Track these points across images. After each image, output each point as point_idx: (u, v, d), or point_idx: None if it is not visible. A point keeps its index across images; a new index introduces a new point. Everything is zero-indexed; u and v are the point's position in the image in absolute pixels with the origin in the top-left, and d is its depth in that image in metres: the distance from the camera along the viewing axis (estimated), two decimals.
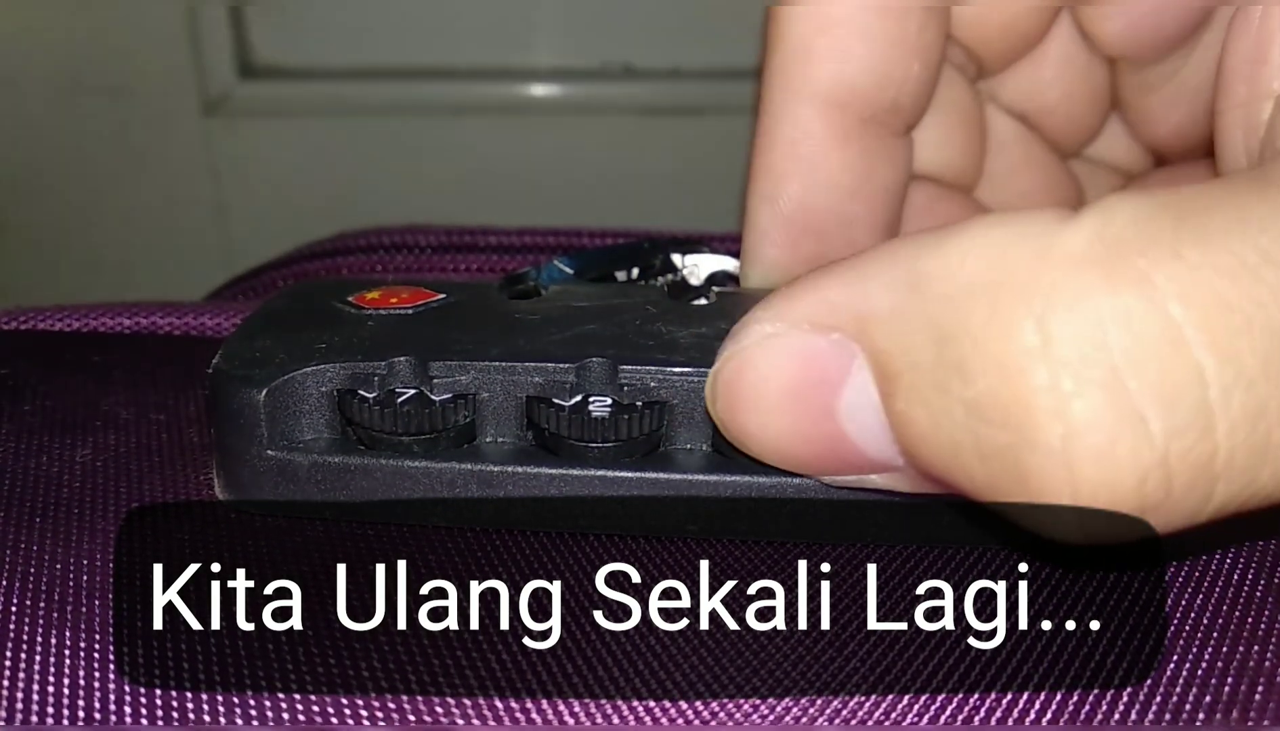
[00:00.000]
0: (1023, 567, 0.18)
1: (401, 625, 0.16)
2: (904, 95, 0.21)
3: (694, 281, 0.27)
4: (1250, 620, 0.17)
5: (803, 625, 0.16)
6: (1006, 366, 0.13)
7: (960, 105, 0.24)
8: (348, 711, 0.15)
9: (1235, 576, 0.18)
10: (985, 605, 0.17)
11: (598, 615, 0.16)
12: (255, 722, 0.14)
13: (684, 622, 0.16)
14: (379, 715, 0.14)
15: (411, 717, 0.14)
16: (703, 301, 0.21)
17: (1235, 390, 0.12)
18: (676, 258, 0.28)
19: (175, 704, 0.15)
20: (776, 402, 0.16)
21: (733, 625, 0.16)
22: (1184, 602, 0.17)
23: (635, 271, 0.28)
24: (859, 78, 0.21)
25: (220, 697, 0.15)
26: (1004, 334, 0.13)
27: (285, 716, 0.15)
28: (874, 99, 0.21)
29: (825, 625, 0.16)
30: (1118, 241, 0.13)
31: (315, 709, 0.15)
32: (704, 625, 0.16)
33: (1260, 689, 0.15)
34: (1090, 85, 0.25)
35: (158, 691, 0.15)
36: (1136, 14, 0.23)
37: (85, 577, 0.17)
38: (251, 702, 0.15)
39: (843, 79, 0.21)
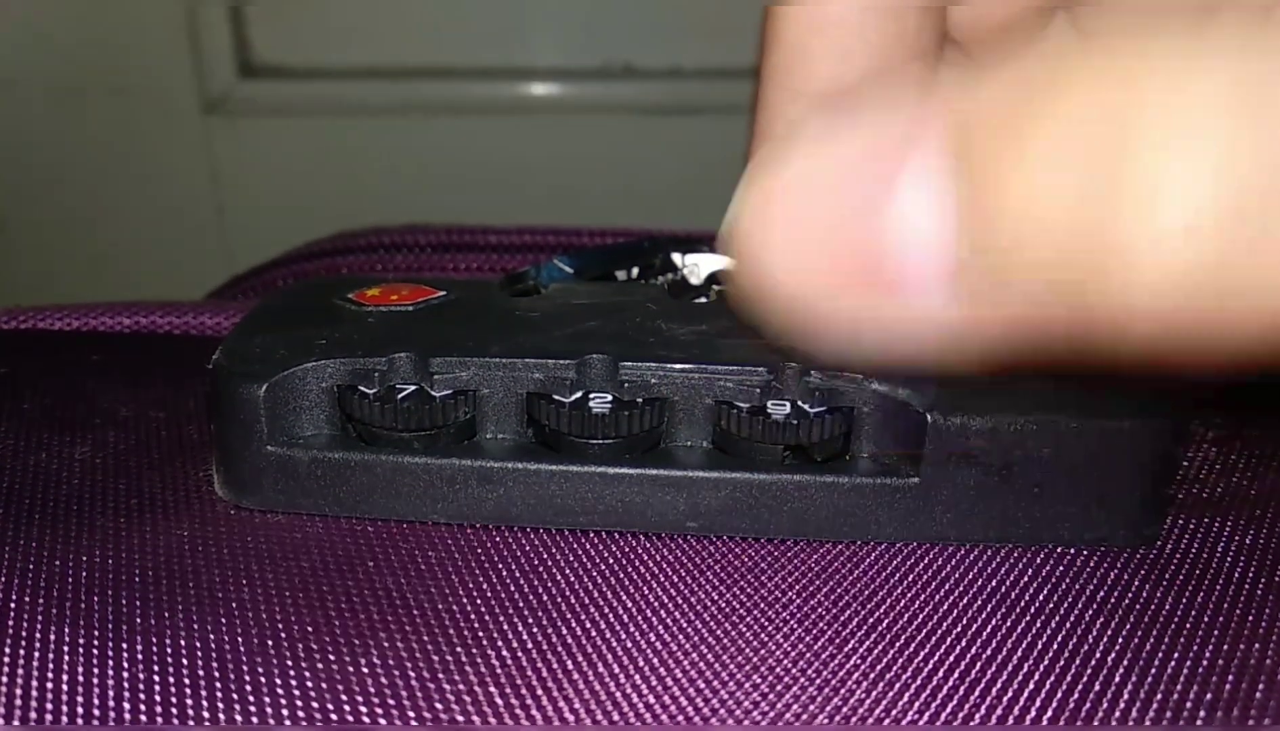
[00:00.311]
0: (1022, 561, 0.18)
1: (402, 625, 0.16)
2: None
3: (694, 281, 0.27)
4: (1251, 618, 0.17)
5: (803, 620, 0.16)
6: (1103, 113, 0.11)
7: None
8: (347, 707, 0.15)
9: (1235, 574, 0.18)
10: (986, 602, 0.17)
11: (597, 612, 0.16)
12: (255, 720, 0.14)
13: (684, 620, 0.16)
14: (378, 711, 0.14)
15: (411, 714, 0.14)
16: (703, 300, 0.21)
17: None
18: (677, 257, 0.28)
19: (174, 700, 0.15)
20: (823, 196, 0.13)
21: (734, 620, 0.16)
22: (1184, 600, 0.17)
23: (635, 270, 0.28)
24: (857, 75, 0.21)
25: (220, 693, 0.15)
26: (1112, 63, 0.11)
27: (285, 712, 0.14)
28: None
29: (825, 620, 0.16)
30: None
31: (315, 706, 0.15)
32: (705, 621, 0.16)
33: (1261, 687, 0.15)
34: None
35: (156, 687, 0.15)
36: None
37: (84, 574, 0.17)
38: (251, 698, 0.15)
39: (840, 78, 0.21)
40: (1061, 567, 0.18)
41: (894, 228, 0.13)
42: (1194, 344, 0.12)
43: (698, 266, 0.28)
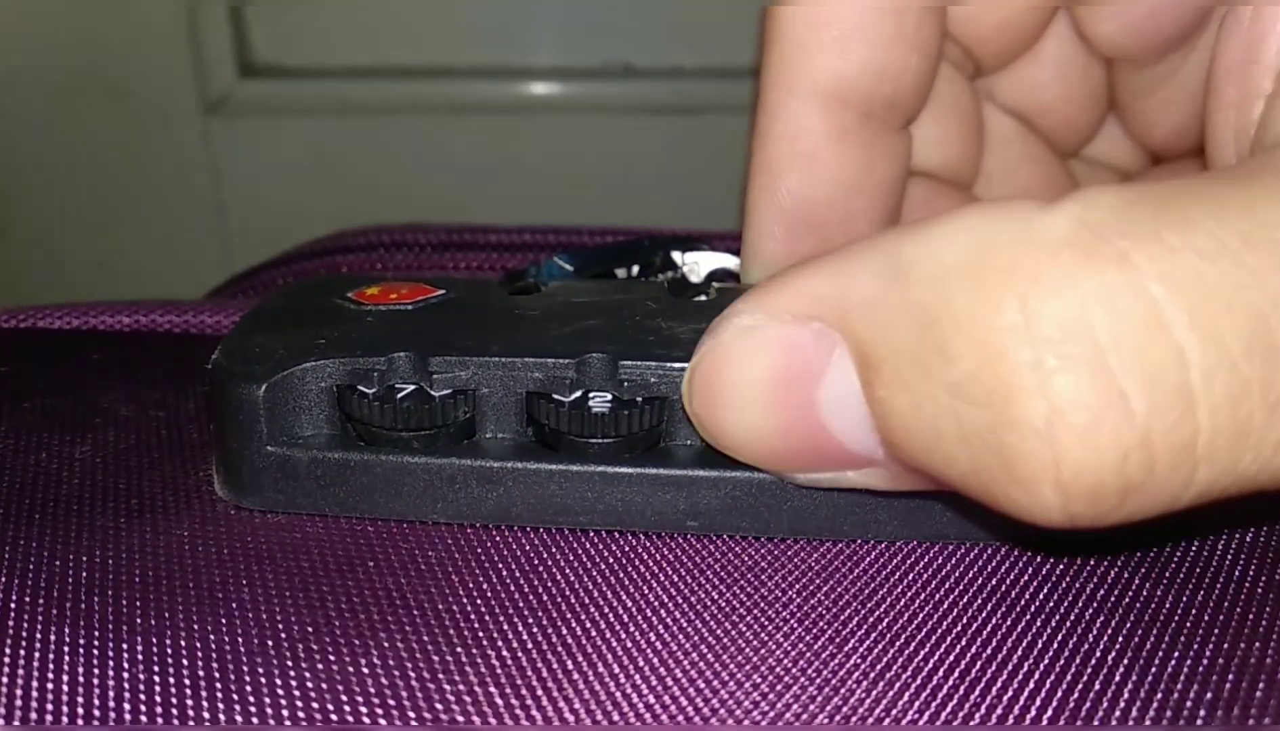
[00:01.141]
0: (1022, 559, 0.18)
1: (402, 625, 0.16)
2: (902, 90, 0.21)
3: (694, 279, 0.27)
4: (1251, 617, 0.17)
5: (803, 620, 0.16)
6: (989, 346, 0.13)
7: (958, 103, 0.24)
8: (347, 707, 0.15)
9: (1236, 573, 0.18)
10: (986, 601, 0.17)
11: (597, 611, 0.16)
12: (255, 720, 0.14)
13: (684, 619, 0.16)
14: (378, 711, 0.14)
15: (411, 714, 0.14)
16: (703, 298, 0.21)
17: (1217, 371, 0.12)
18: (677, 255, 0.28)
19: (174, 700, 0.15)
20: (754, 396, 0.16)
21: (734, 619, 0.16)
22: (1184, 599, 0.17)
23: (635, 269, 0.28)
24: (857, 73, 0.21)
25: (220, 693, 0.15)
26: (986, 314, 0.13)
27: (285, 712, 0.14)
28: (872, 94, 0.21)
29: (825, 619, 0.16)
30: (1099, 225, 0.13)
31: (315, 707, 0.15)
32: (705, 621, 0.16)
33: (1261, 686, 0.15)
34: (1087, 86, 0.25)
35: (156, 687, 0.15)
36: (1134, 15, 0.23)
37: (84, 574, 0.17)
38: (251, 698, 0.15)
39: (841, 74, 0.21)
40: (1062, 566, 0.18)
41: (823, 418, 0.15)
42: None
43: (698, 265, 0.28)
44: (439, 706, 0.15)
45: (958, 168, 0.25)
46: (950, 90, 0.24)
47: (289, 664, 0.15)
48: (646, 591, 0.17)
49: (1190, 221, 0.13)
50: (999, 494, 0.13)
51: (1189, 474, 0.13)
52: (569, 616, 0.16)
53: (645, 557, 0.18)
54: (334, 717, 0.14)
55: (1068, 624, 0.16)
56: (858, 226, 0.22)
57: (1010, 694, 0.15)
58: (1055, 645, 0.16)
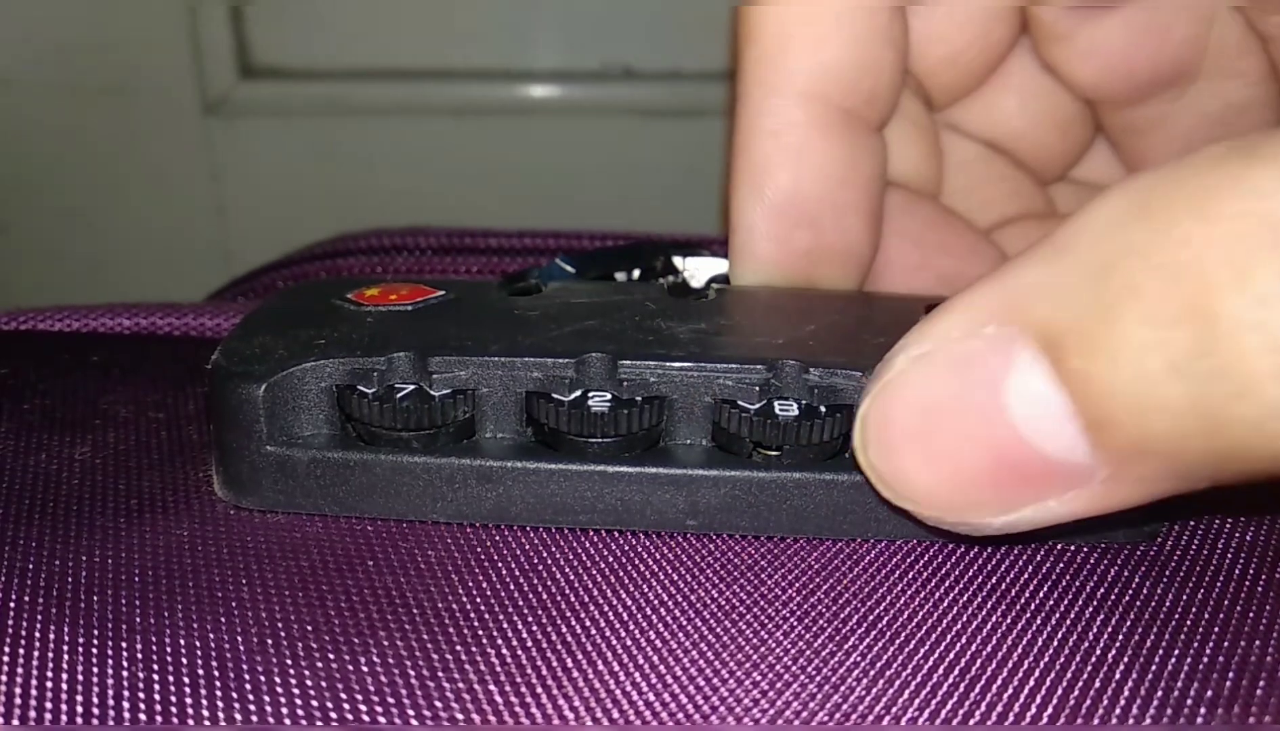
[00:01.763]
0: (1023, 554, 0.18)
1: (402, 624, 0.16)
2: (880, 86, 0.21)
3: (694, 284, 0.27)
4: (1251, 615, 0.17)
5: (803, 618, 0.16)
6: (1176, 260, 0.12)
7: (917, 118, 0.24)
8: (346, 705, 0.15)
9: (1236, 571, 0.18)
10: (986, 599, 0.17)
11: (597, 610, 0.16)
12: (254, 719, 0.14)
13: (684, 618, 0.16)
14: (378, 710, 0.14)
15: (411, 712, 0.14)
16: (703, 299, 0.21)
17: None
18: (677, 260, 0.28)
19: (174, 700, 0.15)
20: (937, 426, 0.15)
21: (734, 618, 0.16)
22: (1185, 597, 0.17)
23: (636, 273, 0.28)
24: (838, 67, 0.21)
25: (220, 693, 0.15)
26: (1164, 233, 0.12)
27: (285, 711, 0.14)
28: (853, 88, 0.21)
29: (825, 618, 0.16)
30: (1246, 144, 0.12)
31: (315, 705, 0.15)
32: (705, 619, 0.16)
33: (1262, 684, 0.15)
34: (1059, 116, 0.25)
35: (156, 687, 0.15)
36: (1107, 61, 0.23)
37: (84, 574, 0.17)
38: (251, 697, 0.15)
39: (822, 69, 0.21)
40: (1062, 564, 0.18)
41: (1017, 426, 0.14)
42: None
43: (698, 270, 0.28)
44: (439, 704, 0.15)
45: (924, 178, 0.25)
46: (909, 105, 0.24)
47: (289, 663, 0.15)
48: (646, 590, 0.17)
49: None
50: (1229, 419, 0.12)
51: None
52: (569, 615, 0.16)
53: (645, 556, 0.18)
54: (334, 716, 0.14)
55: (1068, 622, 0.16)
56: (849, 220, 0.22)
57: (1010, 692, 0.15)
58: (1055, 643, 0.16)
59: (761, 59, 0.21)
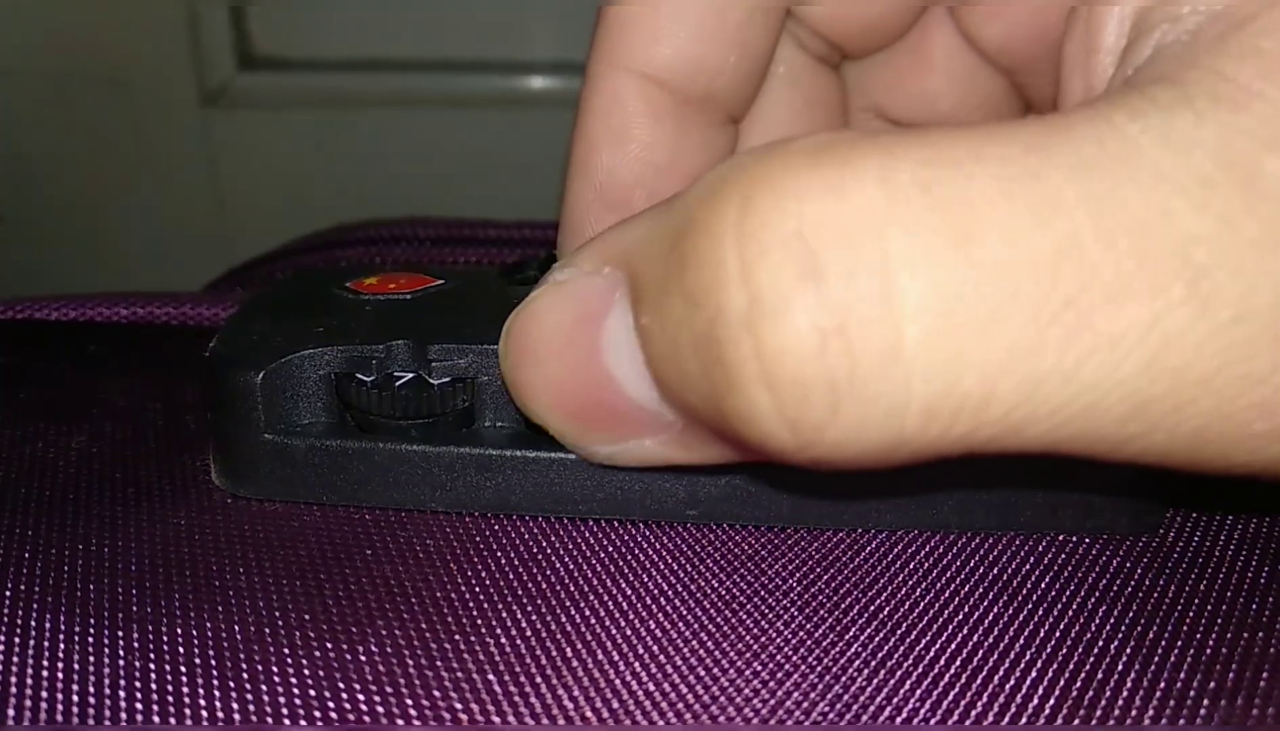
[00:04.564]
0: (1025, 547, 0.18)
1: (400, 613, 0.16)
2: (720, 86, 0.21)
3: None
4: (1254, 607, 0.16)
5: (804, 608, 0.16)
6: (708, 244, 0.13)
7: (818, 95, 0.24)
8: (345, 694, 0.14)
9: (1239, 563, 0.17)
10: (987, 591, 0.17)
11: (596, 600, 0.16)
12: (253, 716, 0.14)
13: (684, 608, 0.16)
14: (376, 698, 0.14)
15: (409, 701, 0.14)
16: None
17: (921, 269, 0.12)
18: None
19: (171, 690, 0.14)
20: (551, 348, 0.15)
21: (734, 608, 0.16)
22: (1187, 589, 0.17)
23: None
24: (671, 60, 0.21)
25: (217, 682, 0.15)
26: (714, 216, 0.13)
27: (282, 700, 0.14)
28: (686, 83, 0.21)
29: (826, 608, 0.16)
30: (836, 141, 0.13)
31: (313, 695, 0.14)
32: (705, 609, 0.16)
33: (1264, 676, 0.15)
34: (985, 92, 0.24)
35: (153, 676, 0.15)
36: (1015, 17, 0.22)
37: (81, 562, 0.17)
38: (248, 686, 0.15)
39: (655, 59, 0.21)
40: (1063, 556, 0.18)
41: (608, 366, 0.15)
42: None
43: None
44: (437, 694, 0.14)
45: None
46: (809, 80, 0.24)
47: (286, 652, 0.15)
48: (646, 579, 0.17)
49: (932, 141, 0.12)
50: (726, 409, 0.13)
51: (904, 381, 0.12)
52: (568, 604, 0.16)
53: (644, 546, 0.18)
54: (332, 705, 0.14)
55: (1069, 613, 0.16)
56: None
57: (1012, 682, 0.15)
58: (1056, 634, 0.16)
59: (604, 39, 0.21)
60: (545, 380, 0.16)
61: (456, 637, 0.15)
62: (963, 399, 0.12)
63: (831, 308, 0.12)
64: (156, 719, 0.14)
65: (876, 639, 0.16)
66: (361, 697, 0.14)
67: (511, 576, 0.17)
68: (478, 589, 0.16)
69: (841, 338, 0.12)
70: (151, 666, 0.15)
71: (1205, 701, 0.15)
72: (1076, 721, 0.14)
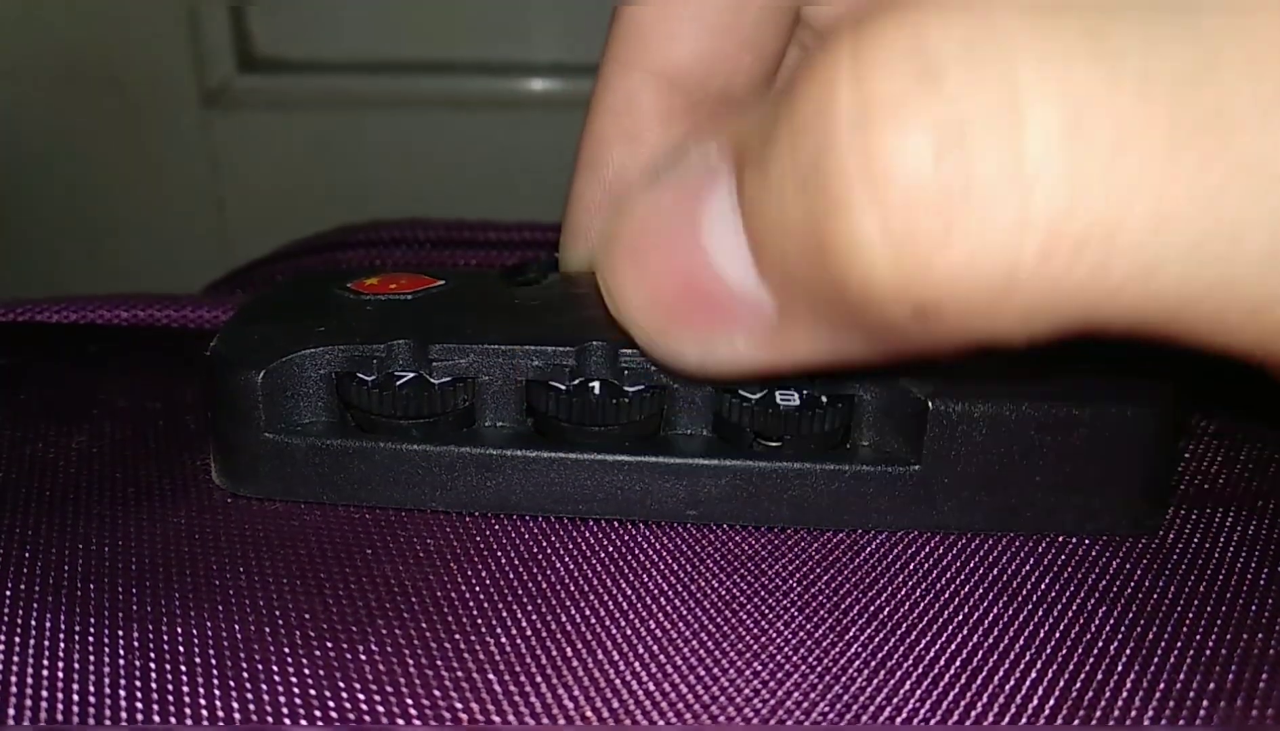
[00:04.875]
0: (1028, 547, 0.18)
1: (401, 613, 0.16)
2: (734, 86, 0.21)
3: None
4: (1254, 608, 0.16)
5: (804, 609, 0.16)
6: (822, 74, 0.12)
7: None
8: (345, 694, 0.14)
9: (1238, 564, 0.17)
10: (987, 591, 0.17)
11: (596, 599, 0.16)
12: (254, 715, 0.14)
13: (684, 608, 0.16)
14: (376, 698, 0.14)
15: (409, 701, 0.14)
16: None
17: (1051, 78, 0.11)
18: None
19: (171, 690, 0.14)
20: (651, 238, 0.15)
21: (734, 608, 0.16)
22: (1186, 589, 0.17)
23: None
24: (687, 61, 0.21)
25: (217, 682, 0.15)
26: (825, 71, 0.12)
27: (283, 699, 0.14)
28: (701, 84, 0.21)
29: (825, 609, 0.16)
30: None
31: (313, 694, 0.14)
32: (705, 610, 0.16)
33: (1264, 678, 0.15)
34: None
35: (153, 675, 0.15)
36: None
37: (81, 562, 0.17)
38: (249, 686, 0.15)
39: (670, 60, 0.21)
40: (1063, 557, 0.18)
41: (707, 249, 0.14)
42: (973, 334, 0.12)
43: None
44: (437, 693, 0.14)
45: None
46: None
47: (287, 651, 0.15)
48: (646, 580, 0.17)
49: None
50: (828, 244, 0.12)
51: (1023, 198, 0.11)
52: (568, 604, 0.16)
53: (645, 546, 0.18)
54: (332, 704, 0.14)
55: (1069, 614, 0.16)
56: None
57: (1011, 683, 0.15)
58: (1056, 635, 0.16)
59: (619, 41, 0.21)
60: (642, 272, 0.15)
61: (457, 637, 0.15)
62: (1089, 224, 0.11)
63: (950, 113, 0.11)
64: (157, 718, 0.14)
65: (876, 639, 0.16)
66: (362, 697, 0.14)
67: (512, 576, 0.17)
68: (478, 588, 0.17)
69: (960, 147, 0.11)
70: (152, 666, 0.15)
71: (1205, 702, 0.15)
72: (1076, 722, 0.14)
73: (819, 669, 0.15)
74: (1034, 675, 0.15)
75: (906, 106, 0.11)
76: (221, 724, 0.14)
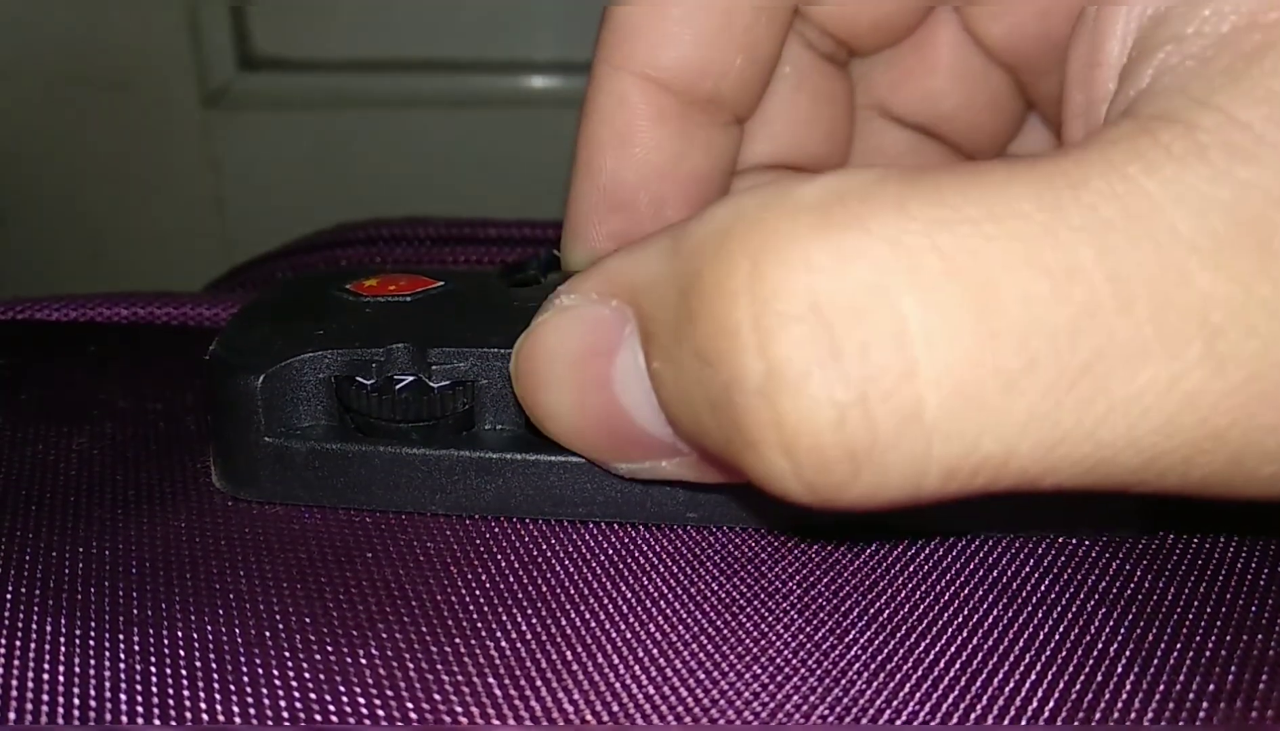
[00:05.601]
0: (1027, 548, 0.18)
1: (401, 616, 0.16)
2: (726, 88, 0.21)
3: None
4: (1254, 609, 0.16)
5: (804, 611, 0.16)
6: (719, 306, 0.13)
7: (824, 93, 0.24)
8: (345, 698, 0.14)
9: (1238, 565, 0.17)
10: (987, 593, 0.17)
11: (596, 603, 0.16)
12: (254, 719, 0.14)
13: (684, 611, 0.16)
14: (376, 702, 0.14)
15: (410, 705, 0.14)
16: None
17: (940, 340, 0.12)
18: None
19: (171, 693, 0.15)
20: (562, 375, 0.16)
21: (734, 611, 0.16)
22: (1186, 591, 0.17)
23: None
24: (677, 62, 0.21)
25: (217, 685, 0.15)
26: (722, 275, 0.13)
27: (283, 703, 0.14)
28: (692, 85, 0.21)
29: (825, 611, 0.16)
30: (845, 193, 0.13)
31: (314, 698, 0.15)
32: (705, 612, 0.16)
33: (1264, 679, 0.15)
34: (990, 92, 0.24)
35: (153, 679, 0.15)
36: (1022, 15, 0.22)
37: (81, 565, 0.17)
38: (248, 689, 0.15)
39: (661, 60, 0.21)
40: (1063, 558, 0.18)
41: (619, 397, 0.15)
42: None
43: None
44: (438, 697, 0.14)
45: (824, 159, 0.24)
46: (816, 80, 0.24)
47: (286, 655, 0.15)
48: (646, 583, 0.17)
49: (941, 194, 0.12)
50: (744, 462, 0.13)
51: (923, 446, 0.12)
52: (568, 607, 0.16)
53: (645, 549, 0.18)
54: (332, 709, 0.14)
55: (1069, 616, 0.16)
56: (666, 214, 0.22)
57: (1011, 685, 0.15)
58: (1056, 637, 0.16)
59: (609, 42, 0.21)
60: (558, 404, 0.16)
61: (457, 640, 0.15)
62: (983, 460, 0.12)
63: (850, 381, 0.12)
64: (157, 721, 0.14)
65: (876, 641, 0.16)
66: (362, 700, 0.14)
67: (512, 579, 0.17)
68: (478, 592, 0.17)
69: (861, 409, 0.12)
70: (152, 669, 0.15)
71: (1205, 703, 0.15)
72: (1076, 723, 0.14)
73: (819, 671, 0.15)
74: (1034, 676, 0.15)
75: (810, 379, 0.12)
76: (222, 727, 0.14)
